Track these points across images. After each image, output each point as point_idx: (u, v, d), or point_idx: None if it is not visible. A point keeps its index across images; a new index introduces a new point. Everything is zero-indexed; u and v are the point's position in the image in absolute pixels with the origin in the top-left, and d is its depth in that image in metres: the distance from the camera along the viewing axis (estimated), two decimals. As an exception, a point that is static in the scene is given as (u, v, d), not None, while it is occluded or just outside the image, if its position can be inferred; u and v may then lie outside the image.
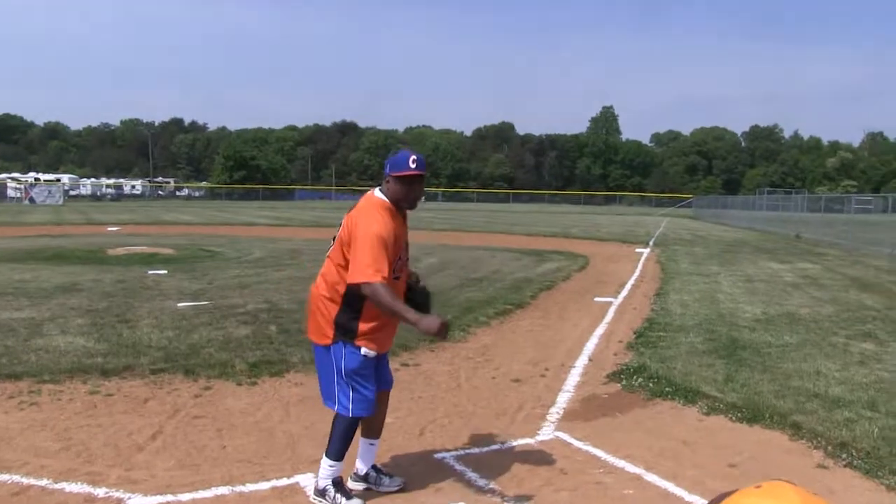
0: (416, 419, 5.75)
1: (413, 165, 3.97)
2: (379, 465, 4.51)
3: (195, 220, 40.05)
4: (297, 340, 8.09)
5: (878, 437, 5.34)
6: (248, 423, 5.56)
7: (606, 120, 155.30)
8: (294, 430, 5.43)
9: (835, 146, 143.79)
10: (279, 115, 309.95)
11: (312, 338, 4.18)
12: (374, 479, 4.42)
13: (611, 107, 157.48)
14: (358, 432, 4.31)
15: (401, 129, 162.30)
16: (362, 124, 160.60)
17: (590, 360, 7.93)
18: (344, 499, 4.13)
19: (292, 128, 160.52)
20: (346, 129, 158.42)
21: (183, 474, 4.55)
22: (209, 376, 6.68)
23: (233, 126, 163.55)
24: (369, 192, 4.17)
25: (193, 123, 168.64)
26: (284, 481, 4.49)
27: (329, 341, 4.07)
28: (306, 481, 4.47)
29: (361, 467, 4.45)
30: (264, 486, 4.42)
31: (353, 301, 3.99)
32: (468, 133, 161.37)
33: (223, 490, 4.32)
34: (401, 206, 4.09)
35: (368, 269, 3.82)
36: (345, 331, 4.03)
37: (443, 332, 3.85)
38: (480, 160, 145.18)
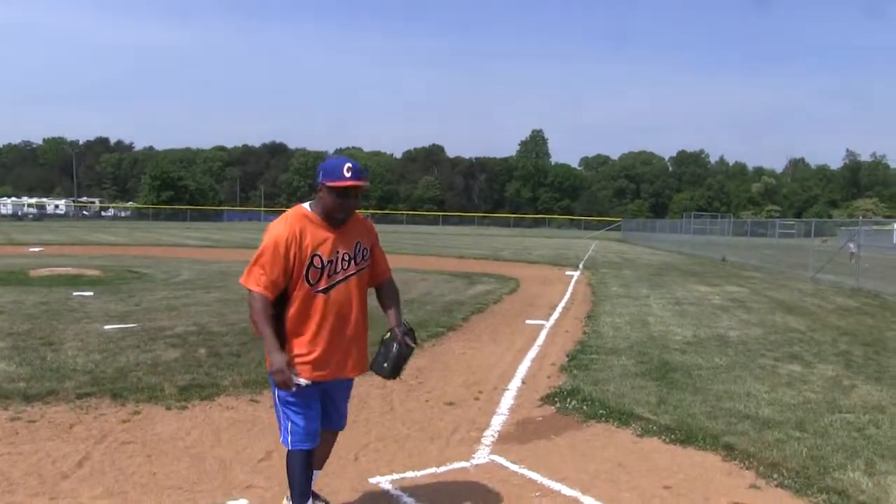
0: (349, 443, 5.66)
1: (348, 174, 3.62)
2: (315, 491, 4.29)
3: (121, 240, 39.09)
4: (228, 364, 7.94)
5: (807, 457, 5.48)
6: (179, 449, 5.40)
7: (536, 143, 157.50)
8: (226, 456, 5.29)
9: (759, 172, 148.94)
10: (207, 135, 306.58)
11: None
12: None
13: (540, 130, 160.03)
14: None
15: (330, 150, 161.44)
16: (292, 145, 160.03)
17: (523, 382, 7.96)
18: None
19: (221, 148, 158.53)
20: (276, 150, 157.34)
21: (111, 502, 4.39)
22: (138, 400, 6.48)
23: (160, 146, 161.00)
24: (296, 205, 3.93)
25: (119, 143, 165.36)
26: (217, 509, 4.37)
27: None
28: (239, 508, 4.36)
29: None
30: (196, 514, 4.29)
31: (280, 318, 3.76)
32: (398, 155, 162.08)
33: (152, 519, 4.18)
34: (334, 217, 3.76)
35: (246, 275, 3.71)
36: None
37: (276, 377, 3.65)
38: (410, 182, 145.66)
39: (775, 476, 5.12)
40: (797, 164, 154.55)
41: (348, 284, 3.82)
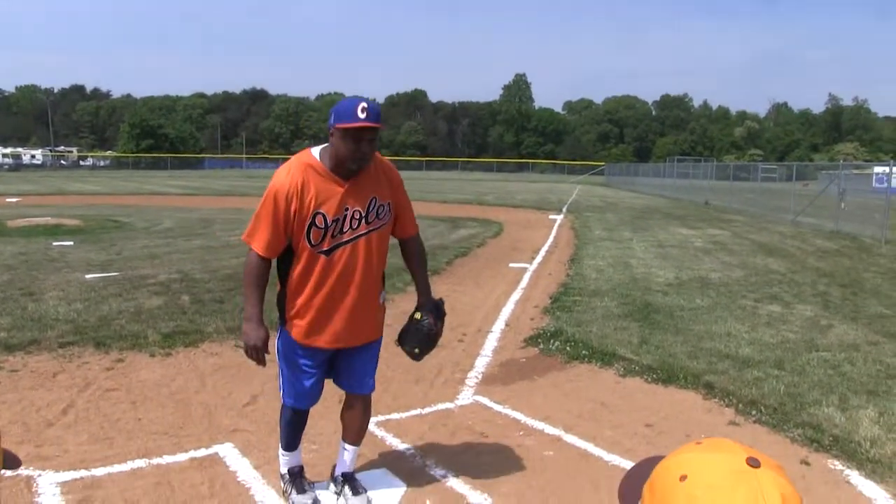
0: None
1: (363, 115, 3.15)
2: (352, 475, 3.95)
3: (101, 190, 38.70)
4: (212, 310, 7.94)
5: (784, 394, 5.60)
6: (163, 395, 5.42)
7: (519, 88, 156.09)
8: (211, 401, 5.32)
9: (742, 116, 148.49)
10: (186, 81, 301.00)
11: None
12: (338, 487, 3.90)
13: (524, 75, 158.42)
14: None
15: (312, 96, 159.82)
16: (273, 91, 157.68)
17: (507, 325, 8.02)
18: (294, 491, 3.79)
19: (200, 95, 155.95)
20: (257, 97, 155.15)
21: (96, 449, 4.41)
22: (121, 348, 6.49)
23: (138, 93, 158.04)
24: (303, 150, 3.51)
25: (96, 90, 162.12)
26: (203, 452, 4.41)
27: (277, 324, 3.65)
28: (225, 451, 4.41)
29: (335, 468, 3.98)
30: (182, 457, 4.32)
31: (281, 277, 3.52)
32: (381, 100, 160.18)
33: (140, 463, 4.21)
34: (345, 168, 3.29)
35: (249, 231, 3.40)
36: (279, 310, 3.58)
37: (251, 355, 3.43)
38: (393, 127, 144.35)
39: (753, 413, 5.23)
40: (780, 109, 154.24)
41: (356, 246, 3.39)
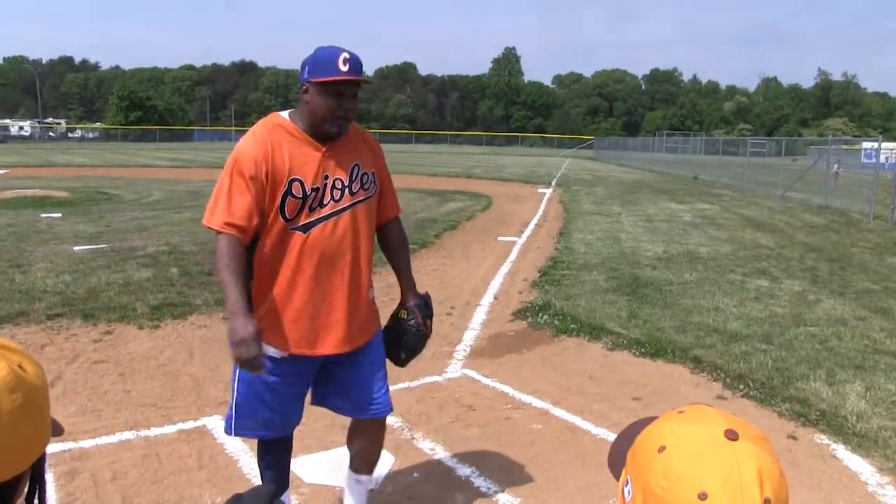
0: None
1: (345, 67, 2.61)
2: None
3: (90, 162, 38.36)
4: (200, 282, 7.92)
5: (772, 369, 5.64)
6: (152, 367, 5.42)
7: (509, 61, 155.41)
8: (199, 373, 5.32)
9: (731, 90, 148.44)
10: (175, 53, 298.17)
11: None
12: None
13: (513, 48, 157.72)
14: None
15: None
16: (262, 63, 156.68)
17: (495, 298, 8.03)
18: None
19: (189, 67, 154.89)
20: (245, 69, 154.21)
21: (85, 420, 4.41)
22: (109, 320, 6.46)
23: (126, 65, 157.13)
24: (270, 114, 2.91)
25: (84, 62, 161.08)
26: (191, 424, 4.41)
27: None
28: (213, 423, 4.40)
29: None
30: (170, 429, 4.33)
31: (250, 273, 2.79)
32: (370, 73, 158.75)
33: (128, 435, 4.22)
34: (324, 130, 2.72)
35: (209, 212, 2.71)
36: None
37: (243, 356, 2.54)
38: (382, 101, 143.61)
39: (741, 387, 5.26)
40: (769, 83, 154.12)
41: (339, 221, 2.79)
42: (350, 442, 3.20)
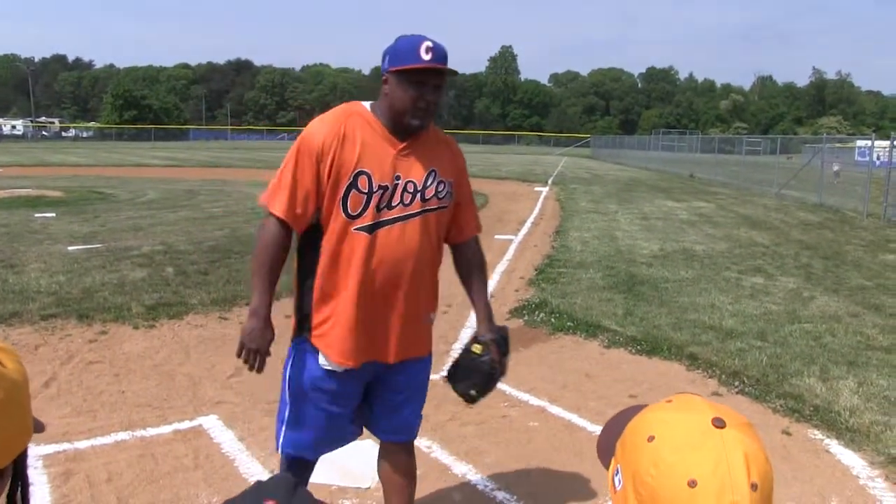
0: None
1: (427, 56, 2.40)
2: None
3: (84, 161, 38.23)
4: (196, 282, 7.91)
5: (767, 365, 5.67)
6: (147, 367, 5.41)
7: (505, 60, 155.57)
8: (195, 373, 5.31)
9: (727, 89, 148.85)
10: (170, 52, 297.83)
11: None
12: None
13: (510, 47, 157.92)
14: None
15: (297, 67, 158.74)
16: (258, 62, 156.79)
17: (492, 296, 8.01)
18: None
19: (184, 66, 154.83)
20: (241, 68, 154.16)
21: (79, 421, 4.39)
22: (104, 320, 6.44)
23: (121, 63, 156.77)
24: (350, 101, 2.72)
25: (78, 60, 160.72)
26: (187, 424, 4.40)
27: (294, 335, 2.69)
28: (209, 423, 4.40)
29: None
30: (166, 429, 4.32)
31: (306, 267, 2.60)
32: (366, 71, 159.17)
33: (123, 435, 4.21)
34: (404, 123, 2.50)
35: (269, 193, 2.54)
36: (300, 318, 2.64)
37: (249, 358, 2.51)
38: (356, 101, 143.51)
39: (736, 383, 5.29)
40: (765, 82, 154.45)
41: (406, 228, 2.54)
42: (385, 475, 2.95)
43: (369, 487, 3.65)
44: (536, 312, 7.15)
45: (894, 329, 6.88)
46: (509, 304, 7.57)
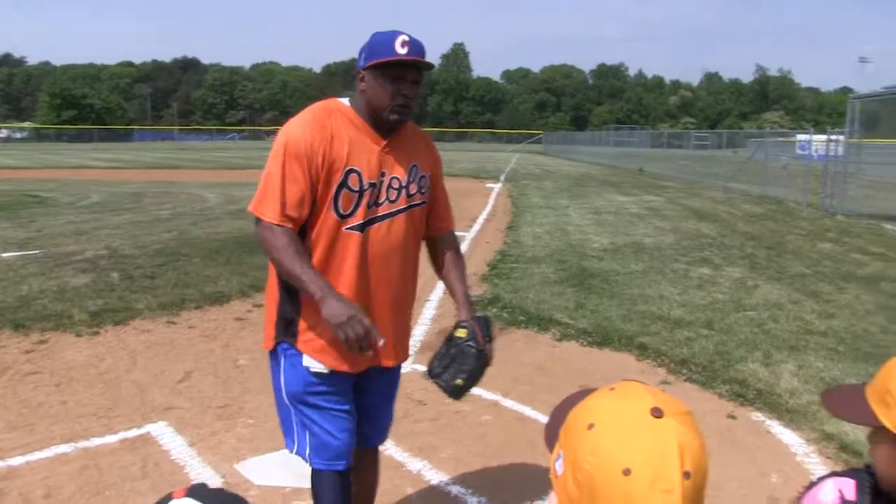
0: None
1: (402, 50, 2.37)
2: None
3: (17, 163, 37.18)
4: (142, 286, 7.75)
5: (714, 353, 5.81)
6: (91, 376, 5.25)
7: (457, 57, 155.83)
8: (142, 379, 5.18)
9: (676, 85, 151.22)
10: (112, 49, 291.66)
11: (263, 343, 2.69)
12: None
13: (462, 44, 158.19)
14: None
15: (247, 65, 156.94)
16: (205, 60, 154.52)
17: (445, 293, 7.98)
18: None
19: (128, 63, 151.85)
20: (188, 66, 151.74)
21: (16, 436, 4.21)
22: (43, 329, 6.22)
23: (58, 61, 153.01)
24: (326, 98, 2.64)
25: (8, 56, 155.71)
26: (134, 432, 4.29)
27: (271, 343, 2.60)
28: (158, 430, 4.30)
29: None
30: (111, 439, 4.20)
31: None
32: (317, 70, 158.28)
33: (64, 448, 4.05)
34: (383, 119, 2.46)
35: (258, 200, 2.43)
36: (286, 325, 2.55)
37: (356, 333, 2.26)
38: (331, 97, 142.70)
39: (684, 371, 5.42)
40: (712, 78, 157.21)
41: (393, 224, 2.54)
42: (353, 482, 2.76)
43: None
44: (489, 307, 7.16)
45: (830, 314, 7.14)
46: (461, 301, 7.55)
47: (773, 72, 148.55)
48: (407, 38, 2.39)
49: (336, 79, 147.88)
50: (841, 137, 18.47)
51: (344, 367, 2.52)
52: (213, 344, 5.99)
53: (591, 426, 1.01)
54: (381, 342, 2.32)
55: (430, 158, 2.70)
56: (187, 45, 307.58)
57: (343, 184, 2.42)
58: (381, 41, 2.41)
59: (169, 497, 1.13)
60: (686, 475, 0.91)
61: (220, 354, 5.73)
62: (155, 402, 4.75)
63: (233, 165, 36.25)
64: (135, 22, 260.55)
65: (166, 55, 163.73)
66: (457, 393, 2.61)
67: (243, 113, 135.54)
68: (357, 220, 2.46)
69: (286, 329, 2.53)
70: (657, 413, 0.96)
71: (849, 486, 1.32)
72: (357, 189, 2.44)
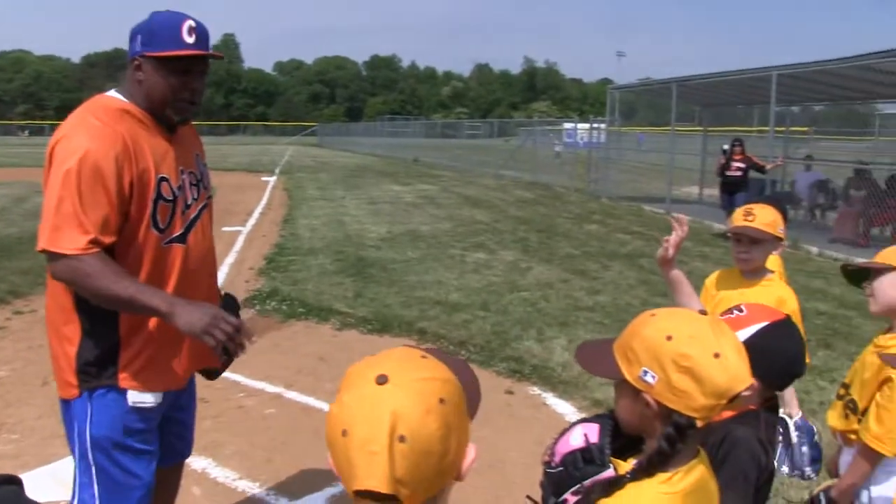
0: (36, 369, 5.21)
1: (191, 40, 2.12)
2: None
3: None
4: None
5: (491, 333, 6.08)
6: None
7: (228, 48, 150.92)
8: None
9: (448, 76, 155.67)
10: None
11: (59, 392, 2.27)
12: None
13: (232, 34, 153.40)
14: None
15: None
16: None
17: (221, 289, 7.78)
18: None
19: None
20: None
21: None
22: None
23: None
24: (96, 96, 2.29)
25: None
26: None
27: (75, 391, 2.20)
28: None
29: None
30: None
31: (96, 311, 2.13)
32: (76, 60, 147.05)
33: None
34: (165, 112, 2.20)
35: (57, 233, 2.01)
36: (99, 366, 2.18)
37: (224, 332, 2.00)
38: (92, 89, 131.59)
39: (463, 352, 5.61)
40: (482, 69, 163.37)
41: (203, 223, 2.37)
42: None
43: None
44: (268, 301, 7.07)
45: (597, 290, 7.68)
46: (240, 296, 7.32)
47: (540, 63, 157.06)
48: (194, 24, 2.15)
49: (97, 70, 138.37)
50: (603, 125, 19.84)
51: (174, 385, 2.30)
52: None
53: (338, 395, 1.03)
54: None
55: (198, 141, 2.54)
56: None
57: (159, 196, 2.16)
58: (164, 25, 2.15)
59: None
60: (401, 439, 0.95)
61: (-27, 366, 5.23)
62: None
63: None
64: None
65: None
66: (212, 374, 2.55)
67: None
68: (176, 230, 2.23)
69: (100, 371, 2.18)
70: (381, 380, 0.99)
71: (593, 430, 1.46)
72: (171, 198, 2.20)
